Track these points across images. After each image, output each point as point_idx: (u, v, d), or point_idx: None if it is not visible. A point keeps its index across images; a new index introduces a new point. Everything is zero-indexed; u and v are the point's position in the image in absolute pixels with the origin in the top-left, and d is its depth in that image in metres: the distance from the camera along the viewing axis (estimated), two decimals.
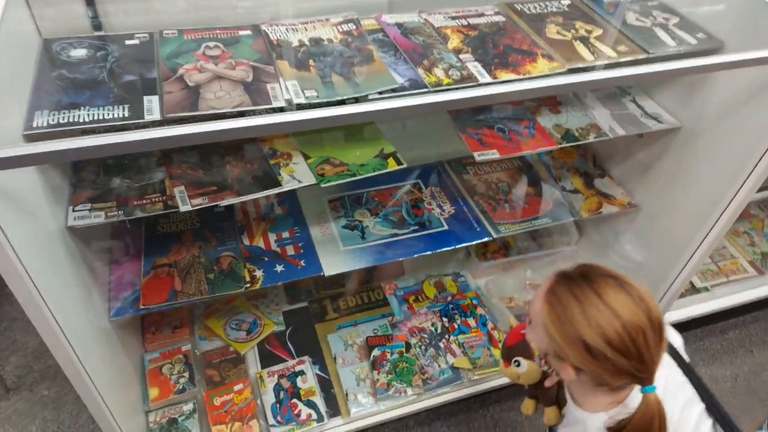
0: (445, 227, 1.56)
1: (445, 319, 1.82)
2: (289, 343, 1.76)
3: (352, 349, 1.73)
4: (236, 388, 1.57)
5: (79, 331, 1.09)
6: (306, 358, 1.70)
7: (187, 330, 1.71)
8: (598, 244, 1.93)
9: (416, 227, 1.55)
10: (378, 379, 1.63)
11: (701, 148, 1.45)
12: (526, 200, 1.66)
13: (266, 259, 1.45)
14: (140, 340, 1.67)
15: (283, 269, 1.42)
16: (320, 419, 1.56)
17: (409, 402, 1.63)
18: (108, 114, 1.01)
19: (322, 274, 1.42)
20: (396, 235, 1.53)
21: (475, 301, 1.88)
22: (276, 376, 1.64)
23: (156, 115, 1.02)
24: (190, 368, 1.59)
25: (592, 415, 0.93)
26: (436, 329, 1.79)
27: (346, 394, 1.61)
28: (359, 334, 1.77)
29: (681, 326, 1.43)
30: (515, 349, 1.18)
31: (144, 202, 1.16)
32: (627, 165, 1.74)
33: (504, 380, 1.69)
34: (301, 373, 1.66)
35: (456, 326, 1.80)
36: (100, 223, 1.12)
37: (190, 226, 1.50)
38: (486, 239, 1.54)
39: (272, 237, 1.51)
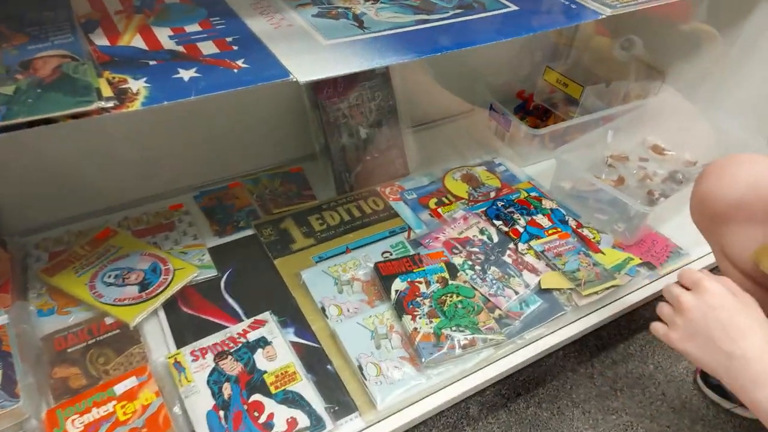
0: (514, 7, 0.81)
1: (498, 222, 1.05)
2: (227, 296, 0.91)
3: (351, 289, 0.92)
4: (120, 388, 0.71)
5: None
6: (267, 315, 0.87)
7: (8, 295, 0.82)
8: (697, 82, 1.25)
9: (458, 11, 0.79)
10: (416, 329, 0.83)
11: None
12: None
13: (153, 62, 0.62)
14: None
15: (196, 75, 0.60)
16: (317, 425, 0.73)
17: (482, 362, 0.84)
18: None
19: (290, 78, 0.61)
20: (425, 21, 0.76)
21: (534, 194, 1.13)
22: (211, 357, 0.80)
23: None
24: (5, 363, 0.71)
25: None
26: (489, 238, 1.02)
27: (361, 369, 0.80)
28: (360, 262, 0.96)
29: None
30: None
31: None
32: None
33: (641, 296, 0.96)
34: (262, 342, 0.82)
35: (521, 230, 1.04)
36: None
37: None
38: (594, 18, 0.80)
39: (163, 32, 0.68)
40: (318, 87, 1.04)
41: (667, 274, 1.01)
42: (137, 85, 0.57)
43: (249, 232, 1.03)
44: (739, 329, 0.56)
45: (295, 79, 0.61)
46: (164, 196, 1.08)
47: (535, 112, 1.32)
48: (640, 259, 1.01)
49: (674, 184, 1.16)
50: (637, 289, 0.98)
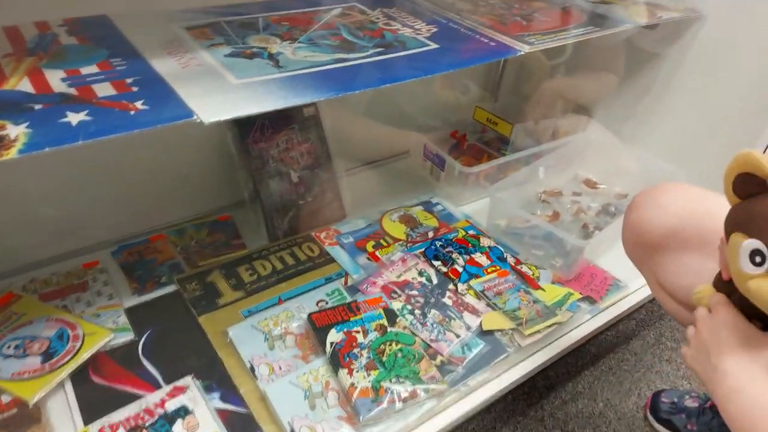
0: (434, 45, 0.80)
1: (437, 263, 1.02)
2: (145, 361, 0.83)
3: (283, 344, 0.85)
4: None
5: None
6: (188, 380, 0.79)
7: None
8: (621, 118, 1.29)
9: (378, 50, 0.77)
10: (353, 384, 0.77)
11: None
12: (542, 13, 0.97)
13: (39, 106, 0.56)
14: None
15: (87, 118, 0.55)
16: None
17: (426, 415, 0.78)
18: None
19: (193, 119, 0.57)
20: (344, 60, 0.73)
21: (472, 232, 1.12)
22: None
23: None
24: None
25: None
26: (429, 279, 0.99)
27: None
28: (292, 314, 0.90)
29: None
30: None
31: None
32: None
33: (585, 332, 0.94)
34: (182, 412, 0.74)
35: (461, 269, 1.01)
36: None
37: None
38: (513, 54, 0.81)
39: (55, 75, 0.62)
40: (244, 131, 1.00)
41: (608, 307, 1.00)
42: (17, 131, 0.51)
43: (172, 288, 0.95)
44: (731, 346, 0.55)
45: (199, 120, 0.56)
46: (78, 254, 0.99)
47: (469, 151, 1.32)
48: (580, 293, 1.00)
49: (608, 216, 1.17)
50: (580, 324, 0.96)
